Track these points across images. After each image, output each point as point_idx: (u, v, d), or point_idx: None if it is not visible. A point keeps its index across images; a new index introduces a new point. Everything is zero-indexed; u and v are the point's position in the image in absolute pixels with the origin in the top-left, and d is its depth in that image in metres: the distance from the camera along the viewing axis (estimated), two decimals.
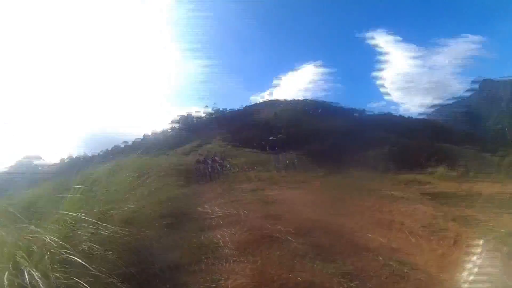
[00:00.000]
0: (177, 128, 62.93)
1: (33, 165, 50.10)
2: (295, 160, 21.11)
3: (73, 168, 16.01)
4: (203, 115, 67.12)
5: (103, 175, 9.84)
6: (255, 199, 11.45)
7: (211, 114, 66.63)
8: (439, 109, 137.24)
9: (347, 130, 50.08)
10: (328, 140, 39.52)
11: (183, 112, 64.87)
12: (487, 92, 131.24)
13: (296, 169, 20.40)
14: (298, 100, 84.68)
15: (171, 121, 65.54)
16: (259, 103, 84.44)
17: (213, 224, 8.63)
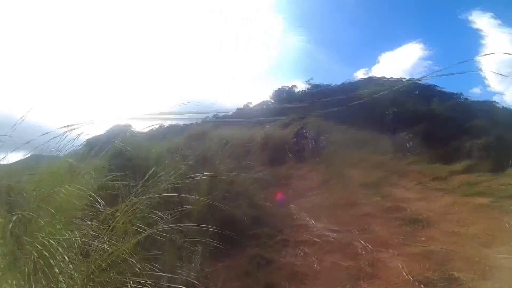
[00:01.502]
0: (272, 101, 61.62)
1: (131, 128, 51.66)
2: (410, 143, 17.14)
3: (175, 133, 15.92)
4: (301, 89, 64.92)
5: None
6: (380, 208, 7.02)
7: (309, 88, 64.23)
8: None
9: (448, 115, 45.84)
10: (430, 125, 36.25)
11: (282, 85, 63.13)
12: None
13: (417, 154, 16.64)
14: (395, 79, 79.59)
15: (271, 94, 64.42)
16: (357, 80, 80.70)
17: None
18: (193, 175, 5.11)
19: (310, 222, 5.92)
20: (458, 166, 12.24)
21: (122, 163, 5.70)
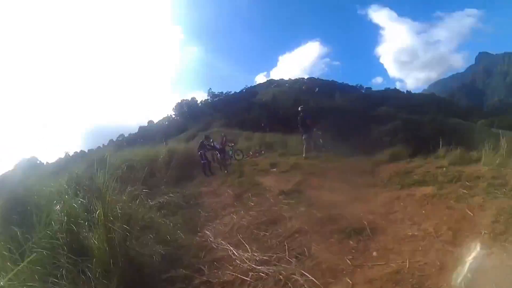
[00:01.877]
0: (174, 115, 61.29)
1: (38, 161, 47.55)
2: (320, 139, 16.35)
3: (79, 161, 14.24)
4: (201, 100, 65.31)
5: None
6: (310, 220, 5.89)
7: (208, 99, 64.83)
8: (436, 83, 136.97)
9: (352, 107, 48.51)
10: (335, 118, 38.47)
11: (183, 98, 63.88)
12: (484, 66, 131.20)
13: (327, 149, 16.05)
14: (295, 79, 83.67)
15: (172, 108, 64.12)
16: (257, 85, 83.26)
17: None
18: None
19: (232, 252, 4.89)
20: (381, 156, 11.83)
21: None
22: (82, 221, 4.91)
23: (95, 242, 4.41)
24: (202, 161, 14.61)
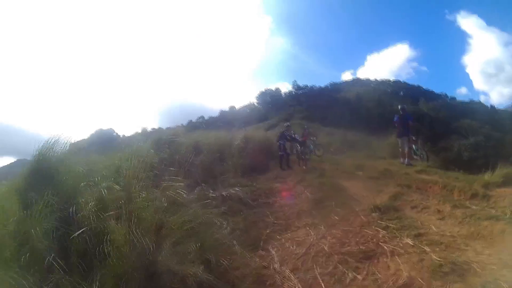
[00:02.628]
0: (257, 104, 60.26)
1: (114, 133, 48.83)
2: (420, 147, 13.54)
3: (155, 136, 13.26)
4: (285, 91, 63.70)
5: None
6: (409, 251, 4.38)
7: (292, 91, 63.04)
8: None
9: (435, 115, 44.77)
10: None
11: (267, 87, 62.61)
12: None
13: (422, 158, 13.38)
14: (381, 80, 79.48)
15: (255, 96, 63.25)
16: (342, 82, 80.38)
17: None
18: None
19: None
20: (489, 176, 8.28)
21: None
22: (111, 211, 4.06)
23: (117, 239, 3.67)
24: (280, 153, 12.94)
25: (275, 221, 5.87)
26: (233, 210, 6.43)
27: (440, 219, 5.72)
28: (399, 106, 13.39)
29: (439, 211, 6.10)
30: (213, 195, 7.15)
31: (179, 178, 5.87)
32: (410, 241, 4.54)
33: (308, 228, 5.27)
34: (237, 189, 7.41)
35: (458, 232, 4.98)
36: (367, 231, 5.06)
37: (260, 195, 7.83)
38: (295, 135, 14.27)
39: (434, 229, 5.12)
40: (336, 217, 5.79)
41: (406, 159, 12.21)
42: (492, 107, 69.09)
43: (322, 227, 5.26)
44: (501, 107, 64.80)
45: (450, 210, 6.02)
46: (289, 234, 5.20)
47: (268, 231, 5.41)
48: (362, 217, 5.73)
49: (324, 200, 6.91)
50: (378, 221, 5.43)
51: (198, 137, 13.25)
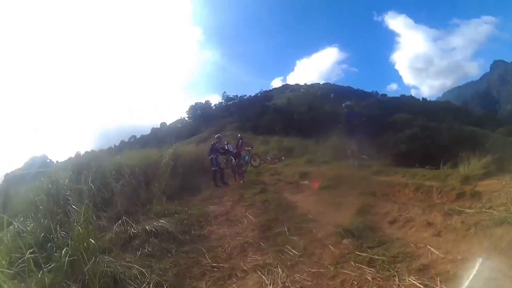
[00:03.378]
0: (186, 119, 59.25)
1: (48, 160, 45.80)
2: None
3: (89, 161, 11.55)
4: (216, 103, 63.14)
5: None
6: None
7: (222, 102, 62.64)
8: (451, 91, 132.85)
9: (368, 113, 45.88)
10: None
11: (197, 101, 62.44)
12: (499, 74, 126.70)
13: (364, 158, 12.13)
14: (311, 84, 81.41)
15: (186, 110, 62.09)
16: (272, 89, 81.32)
17: None
18: None
19: None
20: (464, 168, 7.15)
21: None
22: None
23: None
24: (213, 168, 11.49)
25: (214, 264, 4.37)
26: (159, 250, 4.91)
27: (436, 235, 4.33)
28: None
29: (429, 223, 4.70)
30: (134, 231, 5.58)
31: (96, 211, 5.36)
32: (416, 281, 3.21)
33: (260, 273, 3.82)
34: (163, 222, 5.85)
35: (470, 251, 3.63)
36: (345, 271, 3.65)
37: (193, 224, 6.29)
38: (228, 147, 12.87)
39: (437, 252, 3.72)
40: (295, 251, 4.32)
41: (356, 160, 10.57)
42: (424, 99, 73.13)
43: (279, 270, 3.83)
44: (433, 99, 68.59)
45: (443, 220, 4.63)
46: (234, 285, 3.75)
47: (206, 282, 3.94)
48: (331, 247, 4.32)
49: (273, 224, 5.54)
50: (356, 252, 4.03)
51: (122, 159, 11.62)
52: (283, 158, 18.13)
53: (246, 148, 15.73)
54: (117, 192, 8.28)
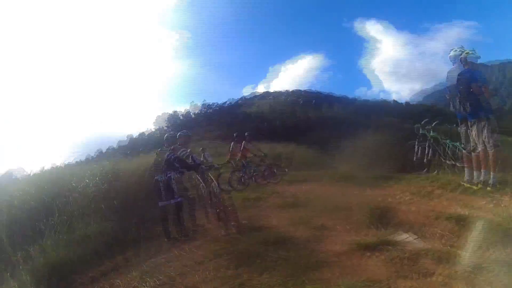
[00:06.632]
0: (156, 129, 54.79)
1: (14, 177, 40.19)
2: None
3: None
4: (191, 112, 58.86)
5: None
6: None
7: (200, 111, 58.58)
8: (428, 95, 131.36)
9: (344, 118, 43.48)
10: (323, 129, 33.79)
11: (172, 110, 58.98)
12: None
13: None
14: (288, 91, 77.75)
15: (158, 120, 57.17)
16: (242, 97, 77.72)
17: None
18: None
19: None
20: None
21: None
22: None
23: None
24: (160, 203, 5.66)
25: None
26: None
27: None
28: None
29: None
30: None
31: None
32: None
33: None
34: None
35: None
36: None
37: None
38: (193, 156, 6.64)
39: None
40: None
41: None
42: (394, 101, 71.04)
43: None
44: (402, 101, 67.40)
45: None
46: None
47: None
48: None
49: None
50: None
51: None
52: (286, 170, 11.43)
53: (249, 155, 10.93)
54: None
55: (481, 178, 5.49)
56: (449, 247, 3.75)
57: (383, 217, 4.88)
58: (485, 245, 3.46)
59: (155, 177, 5.74)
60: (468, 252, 3.40)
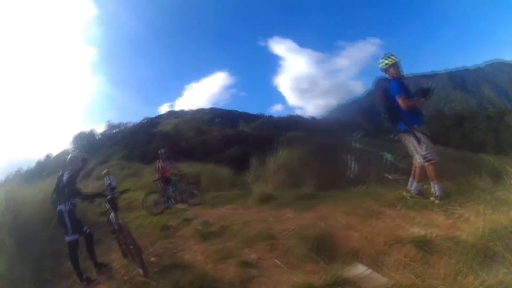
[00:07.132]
0: (72, 149, 51.22)
1: None
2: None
3: None
4: (101, 131, 55.83)
5: None
6: None
7: (106, 131, 55.84)
8: (336, 109, 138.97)
9: (256, 135, 45.06)
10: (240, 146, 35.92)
11: (81, 130, 55.84)
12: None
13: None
14: (197, 109, 78.36)
15: (76, 139, 53.25)
16: (158, 115, 76.91)
17: None
18: None
19: None
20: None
21: None
22: None
23: None
24: (66, 238, 4.79)
25: None
26: None
27: None
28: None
29: None
30: None
31: None
32: None
33: None
34: None
35: None
36: None
37: None
38: (110, 179, 5.90)
39: None
40: None
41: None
42: (312, 117, 74.08)
43: None
44: (319, 117, 71.13)
45: None
46: None
47: None
48: None
49: None
50: None
51: None
52: (195, 192, 10.52)
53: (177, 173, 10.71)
54: None
55: (432, 190, 5.23)
56: (417, 279, 3.36)
57: (328, 246, 4.44)
58: (465, 270, 3.16)
59: (58, 207, 4.86)
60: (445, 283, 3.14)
